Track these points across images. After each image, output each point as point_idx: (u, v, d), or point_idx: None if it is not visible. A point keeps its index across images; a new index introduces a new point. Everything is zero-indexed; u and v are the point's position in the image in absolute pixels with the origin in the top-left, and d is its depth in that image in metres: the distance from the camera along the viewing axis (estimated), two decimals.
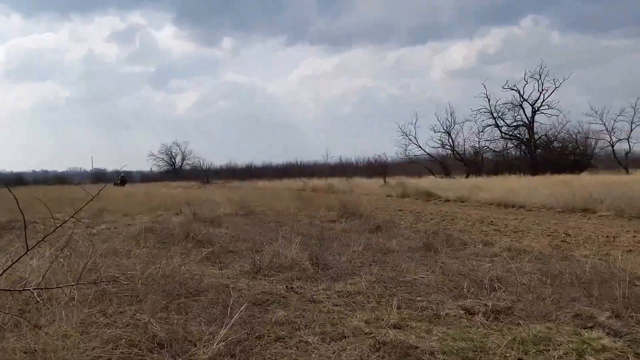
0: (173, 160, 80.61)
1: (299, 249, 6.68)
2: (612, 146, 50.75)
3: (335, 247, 7.92)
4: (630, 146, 50.07)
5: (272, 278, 5.71)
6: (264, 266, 6.02)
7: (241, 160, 76.23)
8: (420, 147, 54.84)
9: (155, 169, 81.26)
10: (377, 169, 48.79)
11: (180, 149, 79.62)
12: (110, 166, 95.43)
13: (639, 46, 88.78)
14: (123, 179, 52.23)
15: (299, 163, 65.30)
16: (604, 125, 50.12)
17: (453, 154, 55.23)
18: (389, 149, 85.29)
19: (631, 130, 49.11)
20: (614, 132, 49.89)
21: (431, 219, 14.15)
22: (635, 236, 10.47)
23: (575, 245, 9.41)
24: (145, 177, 71.62)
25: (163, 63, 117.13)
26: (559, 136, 52.21)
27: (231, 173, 60.61)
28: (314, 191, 29.64)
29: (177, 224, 10.45)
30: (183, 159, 79.73)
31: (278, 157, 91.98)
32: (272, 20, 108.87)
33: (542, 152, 52.37)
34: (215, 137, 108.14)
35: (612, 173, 43.71)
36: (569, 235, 10.79)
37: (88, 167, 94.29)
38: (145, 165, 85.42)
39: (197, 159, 74.30)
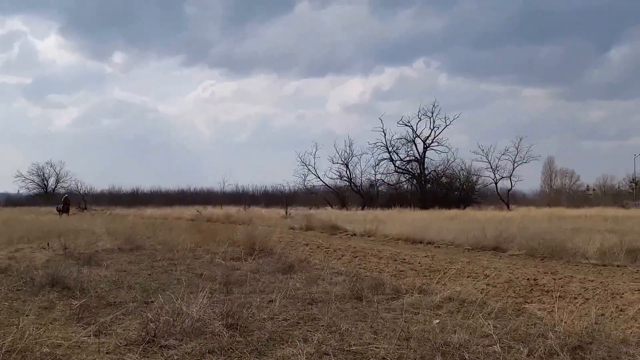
0: (45, 182, 72.54)
1: (206, 301, 5.14)
2: (496, 183, 53.41)
3: (248, 296, 6.45)
4: (512, 184, 52.92)
5: (172, 352, 4.09)
6: (160, 331, 4.39)
7: (127, 184, 70.02)
8: (319, 177, 54.53)
9: (23, 191, 72.66)
10: (276, 198, 47.56)
11: (54, 169, 71.77)
12: None
13: (514, 92, 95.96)
14: None
15: (192, 190, 62.36)
16: (489, 163, 52.69)
17: (350, 185, 55.39)
18: (287, 179, 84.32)
19: (513, 169, 51.98)
20: (498, 170, 52.57)
21: (342, 256, 13.01)
22: (554, 278, 9.95)
23: (502, 289, 8.66)
24: (11, 201, 63.42)
25: (42, 74, 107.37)
26: (446, 172, 54.13)
27: (115, 198, 55.87)
28: (209, 221, 27.62)
29: (41, 262, 8.40)
30: (57, 181, 72.29)
31: (169, 182, 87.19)
32: (171, 39, 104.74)
33: (431, 187, 53.91)
34: (99, 158, 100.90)
35: (495, 209, 45.80)
36: (488, 276, 10.07)
37: None
38: (12, 186, 75.89)
39: (73, 182, 67.60)
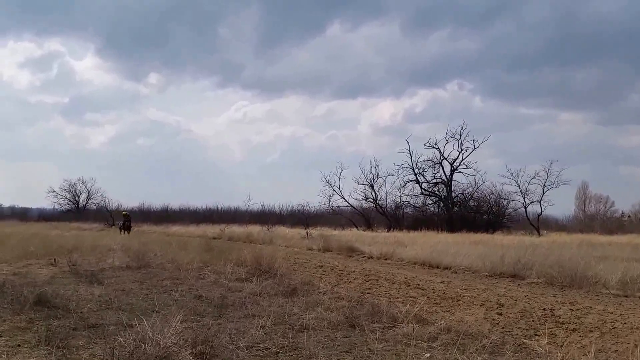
0: (77, 198, 72.51)
1: (182, 327, 4.89)
2: (525, 208, 52.02)
3: (235, 322, 6.20)
4: (542, 208, 51.55)
5: None
6: (125, 359, 4.15)
7: (158, 202, 70.64)
8: (343, 198, 54.06)
9: (56, 206, 72.05)
10: (300, 218, 47.27)
11: (85, 186, 71.71)
12: (7, 201, 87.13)
13: (549, 116, 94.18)
14: None
15: (219, 208, 62.53)
16: (518, 187, 51.41)
17: (375, 207, 54.78)
18: (312, 199, 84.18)
19: (543, 194, 50.63)
20: (527, 195, 51.26)
21: (354, 279, 12.69)
22: (572, 309, 9.43)
23: (514, 320, 8.21)
24: (44, 216, 64.45)
25: (79, 94, 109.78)
26: (474, 195, 53.06)
27: (145, 216, 56.40)
28: (230, 240, 27.56)
29: (44, 279, 8.31)
30: (88, 197, 72.13)
31: (199, 201, 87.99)
32: (205, 61, 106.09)
33: (458, 210, 52.89)
34: (132, 176, 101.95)
35: (524, 234, 44.60)
36: (503, 305, 9.62)
37: None
38: (47, 202, 76.67)
39: (104, 198, 67.23)
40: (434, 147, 52.81)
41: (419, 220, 51.50)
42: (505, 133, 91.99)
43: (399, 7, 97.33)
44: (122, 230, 32.09)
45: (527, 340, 5.74)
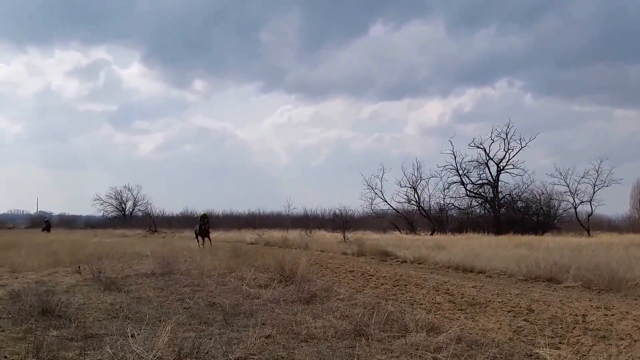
0: (123, 205, 72.61)
1: (181, 337, 4.83)
2: (575, 208, 50.26)
3: (239, 331, 6.11)
4: (592, 208, 49.71)
5: None
6: None
7: (202, 207, 71.64)
8: (385, 201, 53.50)
9: (104, 214, 72.28)
10: (343, 222, 47.14)
11: (131, 193, 71.65)
12: (57, 209, 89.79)
13: (604, 113, 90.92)
14: (48, 223, 44.96)
15: (261, 213, 62.89)
16: (568, 186, 49.77)
17: (418, 209, 54.00)
18: (357, 202, 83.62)
19: (594, 193, 48.79)
20: (577, 194, 49.52)
21: (382, 284, 12.44)
22: (606, 314, 8.93)
23: (540, 328, 7.80)
24: (90, 223, 66.13)
25: (127, 102, 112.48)
26: (522, 196, 51.58)
27: (188, 221, 57.29)
28: (267, 245, 27.64)
29: (64, 287, 8.45)
30: (135, 204, 72.16)
31: (245, 206, 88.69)
32: (248, 66, 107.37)
33: (505, 212, 51.54)
34: (178, 182, 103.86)
35: (574, 235, 43.07)
36: (533, 311, 9.20)
37: (32, 210, 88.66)
38: (95, 209, 78.83)
39: (148, 205, 67.79)
40: (479, 147, 51.65)
41: (464, 223, 50.51)
42: (558, 131, 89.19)
43: (442, 5, 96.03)
44: (199, 238, 24.81)
45: (539, 350, 5.40)
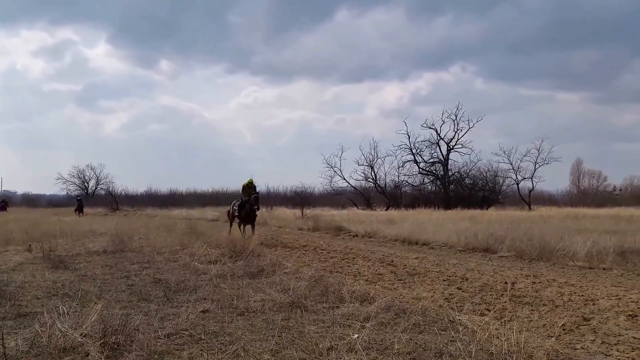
0: (86, 184, 70.58)
1: (105, 315, 4.64)
2: (518, 184, 51.72)
3: (179, 307, 5.96)
4: (533, 184, 51.22)
5: None
6: (21, 354, 3.88)
7: (168, 186, 69.75)
8: (344, 179, 53.77)
9: (67, 192, 69.99)
10: (305, 199, 47.12)
11: (94, 172, 69.84)
12: (22, 189, 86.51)
13: (548, 97, 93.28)
14: (4, 202, 42.90)
15: (225, 191, 62.16)
16: (511, 164, 51.15)
17: (375, 186, 54.47)
18: (318, 180, 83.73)
19: (535, 170, 50.26)
20: (520, 172, 50.94)
21: (331, 258, 12.43)
22: (534, 282, 9.14)
23: (471, 295, 7.92)
24: (53, 202, 63.22)
25: (92, 82, 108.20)
26: (470, 173, 52.66)
27: (152, 200, 56.13)
28: (227, 221, 27.37)
29: (10, 265, 8.09)
30: (97, 183, 70.21)
31: (211, 185, 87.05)
32: (215, 47, 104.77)
33: (454, 188, 52.50)
34: (144, 162, 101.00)
35: (516, 209, 44.27)
36: (467, 279, 9.35)
37: None
38: (56, 188, 75.23)
39: (111, 184, 66.05)
40: (431, 128, 52.43)
41: (416, 199, 51.24)
42: (505, 113, 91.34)
43: None
44: (241, 226, 16.31)
45: (463, 317, 5.44)
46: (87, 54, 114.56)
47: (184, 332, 4.87)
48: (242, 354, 4.28)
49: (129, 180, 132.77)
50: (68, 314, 5.01)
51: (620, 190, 67.28)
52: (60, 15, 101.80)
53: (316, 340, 4.67)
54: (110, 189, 62.93)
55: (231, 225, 17.34)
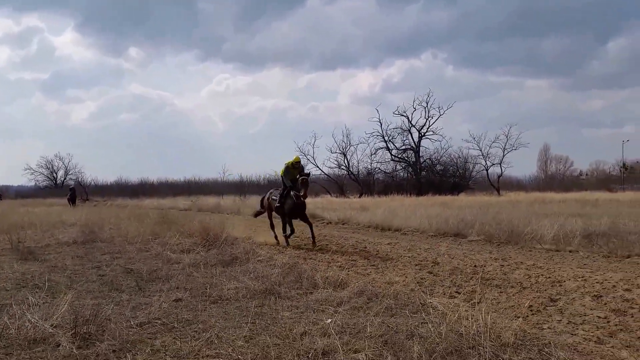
0: (54, 174, 69.26)
1: (76, 305, 4.58)
2: (487, 170, 52.60)
3: (150, 296, 5.91)
4: (502, 170, 52.14)
5: None
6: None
7: (139, 176, 68.30)
8: (317, 166, 53.89)
9: (34, 183, 69.16)
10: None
11: (63, 162, 68.51)
12: None
13: (518, 83, 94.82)
14: None
15: (197, 180, 61.63)
16: (480, 150, 51.92)
17: (348, 174, 54.75)
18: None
19: (503, 156, 51.19)
20: (489, 158, 51.80)
21: (305, 245, 12.46)
22: (502, 265, 9.34)
23: (442, 279, 8.05)
24: (21, 193, 61.71)
25: (60, 70, 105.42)
26: (441, 160, 53.39)
27: (122, 190, 55.16)
28: (200, 210, 27.14)
29: None
30: (66, 173, 68.65)
31: (183, 174, 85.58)
32: (186, 35, 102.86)
33: (426, 174, 53.14)
34: (114, 151, 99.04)
35: (486, 194, 45.10)
36: (437, 264, 9.48)
37: None
38: (26, 179, 72.76)
39: (80, 174, 65.02)
40: (402, 115, 52.89)
41: (389, 185, 51.74)
42: (475, 100, 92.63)
43: None
44: (285, 216, 12.65)
45: (434, 299, 5.53)
46: (54, 41, 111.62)
47: (156, 321, 4.83)
48: (216, 341, 4.28)
49: (98, 170, 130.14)
50: (38, 305, 4.93)
51: (587, 175, 68.95)
52: (25, 1, 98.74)
53: (290, 326, 4.69)
54: (80, 179, 61.76)
55: (271, 222, 13.56)
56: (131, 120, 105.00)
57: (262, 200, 14.23)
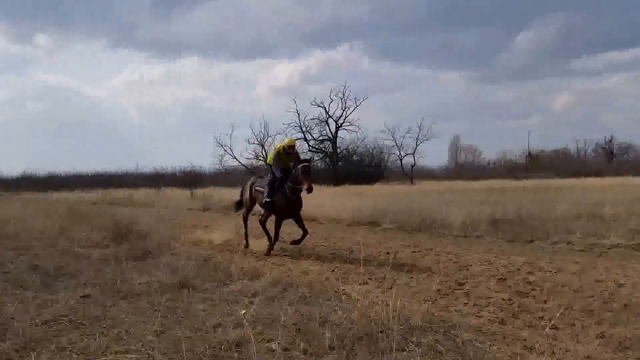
0: None
1: None
2: (401, 160, 54.46)
3: (57, 293, 5.61)
4: (415, 160, 54.15)
5: None
6: None
7: (47, 168, 63.90)
8: (235, 157, 53.31)
9: None
10: (195, 179, 46.00)
11: None
12: None
13: (432, 76, 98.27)
14: None
15: (110, 172, 58.82)
16: (395, 141, 53.63)
17: (266, 165, 54.48)
18: (210, 160, 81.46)
19: (416, 147, 53.18)
20: (403, 148, 53.67)
21: (222, 237, 12.26)
22: (414, 251, 9.73)
23: (356, 266, 8.24)
24: None
25: None
26: (357, 150, 54.50)
27: (28, 183, 51.67)
28: (112, 204, 26.05)
29: None
30: None
31: (93, 165, 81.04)
32: (97, 21, 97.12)
33: (343, 165, 54.06)
34: (20, 143, 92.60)
35: (400, 184, 46.69)
36: (352, 251, 9.71)
37: None
38: None
39: None
40: (319, 106, 53.32)
41: None
42: (392, 92, 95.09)
43: None
44: (278, 215, 9.98)
45: (348, 287, 5.67)
46: None
47: (63, 318, 4.61)
48: (125, 337, 4.15)
49: (2, 163, 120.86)
50: None
51: (494, 163, 72.92)
52: None
53: (203, 319, 4.65)
54: None
55: (247, 221, 10.95)
56: (38, 110, 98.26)
57: (242, 191, 11.49)
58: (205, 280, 6.39)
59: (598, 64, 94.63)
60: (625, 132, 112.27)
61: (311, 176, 9.41)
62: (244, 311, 4.81)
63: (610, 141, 66.01)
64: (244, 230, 10.87)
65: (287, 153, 9.96)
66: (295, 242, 9.76)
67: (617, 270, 7.61)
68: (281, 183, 9.78)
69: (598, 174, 46.37)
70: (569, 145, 68.75)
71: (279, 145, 10.45)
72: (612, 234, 10.03)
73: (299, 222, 9.92)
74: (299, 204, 9.89)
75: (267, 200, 9.87)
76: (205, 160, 72.79)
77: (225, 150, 52.63)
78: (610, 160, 63.44)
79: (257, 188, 10.51)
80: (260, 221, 10.54)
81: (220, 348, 3.83)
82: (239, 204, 11.58)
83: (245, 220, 10.95)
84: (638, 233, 10.20)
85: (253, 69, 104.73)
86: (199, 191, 31.54)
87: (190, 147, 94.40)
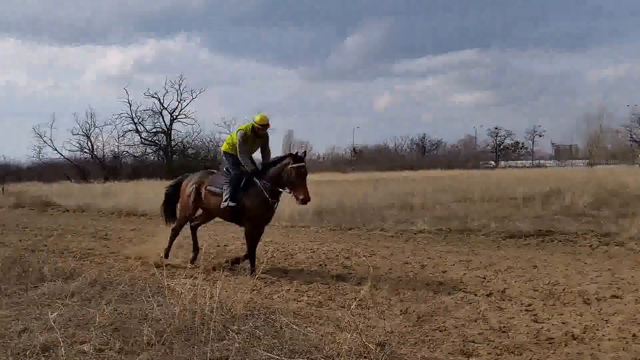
0: None
1: None
2: None
3: None
4: None
5: None
6: None
7: None
8: (56, 149, 48.69)
9: None
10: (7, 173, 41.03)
11: None
12: None
13: (268, 71, 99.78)
14: None
15: None
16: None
17: (92, 157, 50.72)
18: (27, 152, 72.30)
19: None
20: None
21: (35, 236, 11.21)
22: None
23: (184, 261, 8.16)
24: None
25: None
26: (193, 143, 53.32)
27: None
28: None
29: None
30: None
31: None
32: None
33: (178, 158, 52.53)
34: None
35: None
36: (182, 247, 9.43)
37: None
38: None
39: None
40: (153, 97, 51.11)
41: (138, 170, 49.54)
42: (229, 85, 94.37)
43: None
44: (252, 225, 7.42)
45: (170, 282, 5.57)
46: None
47: None
48: None
49: None
50: None
51: (324, 157, 76.62)
52: None
53: (6, 325, 4.25)
54: None
55: (178, 230, 8.36)
56: None
57: (174, 190, 8.50)
58: (13, 283, 5.82)
59: (416, 67, 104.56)
60: (436, 130, 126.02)
61: (305, 180, 6.92)
62: (54, 314, 4.49)
63: (423, 138, 73.81)
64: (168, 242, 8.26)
65: (258, 136, 7.42)
66: (236, 262, 7.74)
67: (422, 254, 8.57)
68: (251, 179, 7.24)
69: (412, 167, 51.48)
70: (389, 142, 74.85)
71: (246, 125, 7.50)
72: (420, 221, 11.22)
73: (259, 233, 7.67)
74: (273, 209, 7.42)
75: (231, 205, 7.20)
76: (21, 151, 65.18)
77: (45, 142, 47.74)
78: (423, 155, 70.72)
79: (209, 188, 7.62)
80: (191, 226, 8.33)
81: (25, 354, 3.55)
82: (169, 212, 8.61)
83: (176, 231, 8.26)
84: (441, 220, 11.55)
85: (81, 53, 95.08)
86: (11, 186, 28.23)
87: (3, 137, 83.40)
